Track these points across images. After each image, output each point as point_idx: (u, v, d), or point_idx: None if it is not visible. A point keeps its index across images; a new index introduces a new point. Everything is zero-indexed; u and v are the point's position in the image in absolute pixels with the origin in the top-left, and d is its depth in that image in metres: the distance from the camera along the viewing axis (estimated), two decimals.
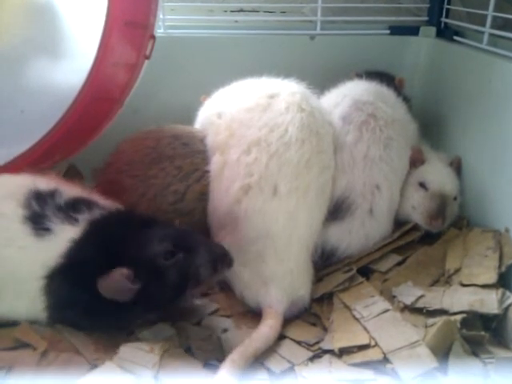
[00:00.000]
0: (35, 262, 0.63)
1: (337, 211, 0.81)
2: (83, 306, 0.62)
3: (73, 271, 0.62)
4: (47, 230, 0.64)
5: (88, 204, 0.68)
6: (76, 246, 0.63)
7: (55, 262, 0.62)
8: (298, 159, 0.75)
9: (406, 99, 0.97)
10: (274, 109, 0.79)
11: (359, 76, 0.97)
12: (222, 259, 0.64)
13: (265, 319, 0.68)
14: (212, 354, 0.64)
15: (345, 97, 0.89)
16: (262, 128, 0.77)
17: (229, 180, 0.76)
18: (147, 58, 0.77)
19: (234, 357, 0.60)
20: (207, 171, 0.81)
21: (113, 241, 0.63)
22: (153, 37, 0.76)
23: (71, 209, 0.66)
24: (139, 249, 0.63)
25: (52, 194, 0.67)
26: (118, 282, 0.59)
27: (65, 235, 0.64)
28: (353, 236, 0.80)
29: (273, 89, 0.82)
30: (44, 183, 0.69)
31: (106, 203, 0.71)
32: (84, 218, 0.65)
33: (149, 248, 0.63)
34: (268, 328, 0.66)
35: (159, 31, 1.05)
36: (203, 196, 0.80)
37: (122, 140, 0.87)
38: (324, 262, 0.80)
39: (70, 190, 0.70)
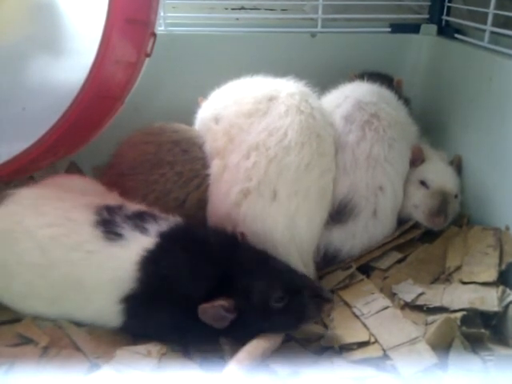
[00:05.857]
0: (105, 268, 0.63)
1: (340, 214, 0.80)
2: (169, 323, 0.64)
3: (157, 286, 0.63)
4: (119, 235, 0.65)
5: (154, 217, 0.69)
6: (156, 257, 0.64)
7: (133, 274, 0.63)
8: (298, 163, 0.74)
9: (407, 101, 0.96)
10: (273, 113, 0.77)
11: (358, 77, 0.96)
12: (325, 299, 0.66)
13: None
14: (211, 355, 0.63)
15: (347, 97, 0.88)
16: (261, 132, 0.76)
17: (228, 183, 0.75)
18: (148, 55, 0.77)
19: (240, 357, 0.60)
20: (207, 175, 0.80)
21: (196, 255, 0.64)
22: (154, 34, 0.76)
23: (139, 219, 0.67)
24: (244, 281, 0.63)
25: (120, 207, 0.69)
26: (216, 311, 0.60)
27: (138, 243, 0.64)
28: (356, 239, 0.80)
29: (271, 91, 0.81)
30: (112, 200, 0.72)
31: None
32: (154, 229, 0.66)
33: (257, 286, 0.63)
34: None
35: (160, 29, 1.05)
36: (203, 203, 0.80)
37: (122, 138, 0.87)
38: (326, 264, 0.79)
39: (134, 205, 0.71)
